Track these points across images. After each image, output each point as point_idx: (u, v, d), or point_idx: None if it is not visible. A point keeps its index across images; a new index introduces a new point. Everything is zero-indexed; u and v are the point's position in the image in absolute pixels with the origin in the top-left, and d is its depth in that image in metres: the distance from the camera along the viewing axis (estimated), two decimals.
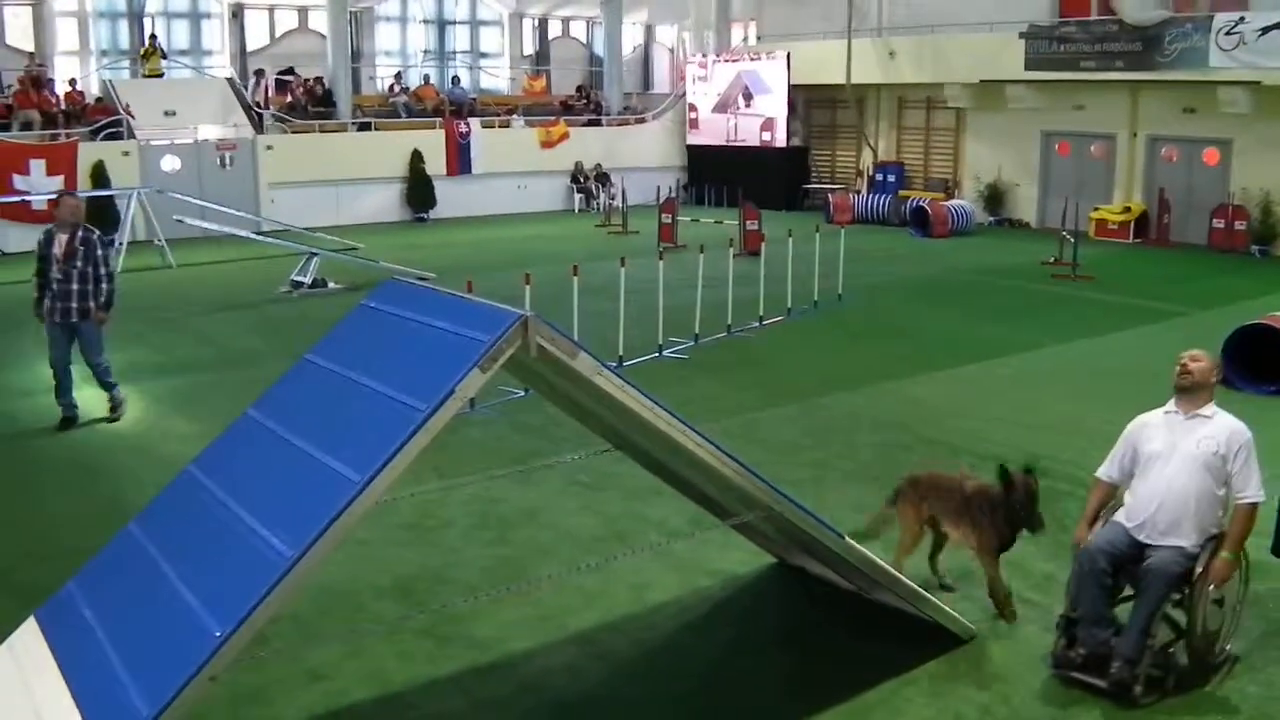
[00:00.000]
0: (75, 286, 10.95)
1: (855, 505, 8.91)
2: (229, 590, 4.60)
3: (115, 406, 11.51)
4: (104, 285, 11.14)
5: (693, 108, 33.81)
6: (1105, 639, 6.13)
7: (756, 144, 32.33)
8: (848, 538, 6.38)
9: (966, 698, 6.15)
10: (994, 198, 28.96)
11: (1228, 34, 22.45)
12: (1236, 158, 24.58)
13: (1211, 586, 6.10)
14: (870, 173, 31.66)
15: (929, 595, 6.62)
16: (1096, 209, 26.19)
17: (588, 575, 7.42)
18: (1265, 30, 21.89)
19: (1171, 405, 6.38)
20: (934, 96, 30.03)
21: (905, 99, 31.34)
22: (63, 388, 11.29)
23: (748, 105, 32.42)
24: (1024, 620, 7.00)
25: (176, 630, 4.63)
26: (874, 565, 6.46)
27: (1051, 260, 21.62)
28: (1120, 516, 6.39)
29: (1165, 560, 6.07)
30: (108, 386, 11.48)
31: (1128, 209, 26.07)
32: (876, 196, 29.74)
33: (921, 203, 27.62)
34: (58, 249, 10.92)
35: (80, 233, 11.02)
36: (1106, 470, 6.59)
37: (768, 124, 32.08)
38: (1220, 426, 6.19)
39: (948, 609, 6.67)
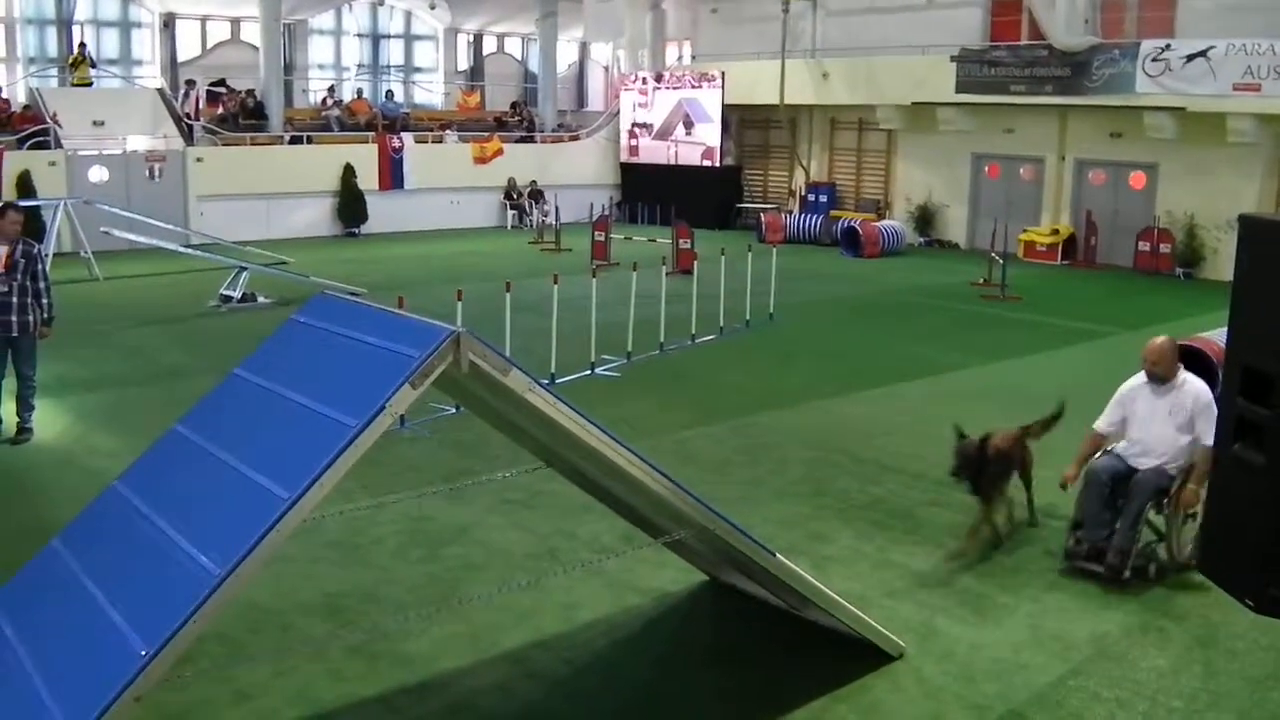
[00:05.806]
0: (15, 300, 10.75)
1: (786, 522, 8.99)
2: (155, 608, 4.53)
3: (23, 430, 11.15)
4: (44, 299, 10.98)
5: (633, 134, 33.83)
6: (1103, 536, 7.97)
7: (691, 163, 32.46)
8: (779, 555, 6.41)
9: (897, 712, 6.19)
10: (924, 219, 29.28)
11: (1154, 60, 22.88)
12: (1162, 182, 25.05)
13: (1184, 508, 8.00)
14: (802, 193, 31.90)
15: (860, 613, 6.66)
16: (1025, 231, 26.61)
17: (519, 593, 7.39)
18: (1190, 57, 22.33)
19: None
20: (866, 118, 30.32)
21: (838, 120, 31.60)
22: None
23: (689, 133, 32.51)
24: (952, 639, 7.07)
25: (101, 649, 4.55)
26: (805, 583, 6.49)
27: (981, 281, 21.91)
28: (1118, 449, 8.27)
29: (1149, 475, 8.00)
30: (29, 406, 11.19)
31: (1056, 231, 26.49)
32: (808, 216, 29.95)
33: (853, 223, 27.83)
34: None
35: (21, 245, 10.83)
36: (1102, 425, 8.38)
37: (709, 153, 32.24)
38: (1188, 393, 7.98)
39: (878, 626, 6.71)
